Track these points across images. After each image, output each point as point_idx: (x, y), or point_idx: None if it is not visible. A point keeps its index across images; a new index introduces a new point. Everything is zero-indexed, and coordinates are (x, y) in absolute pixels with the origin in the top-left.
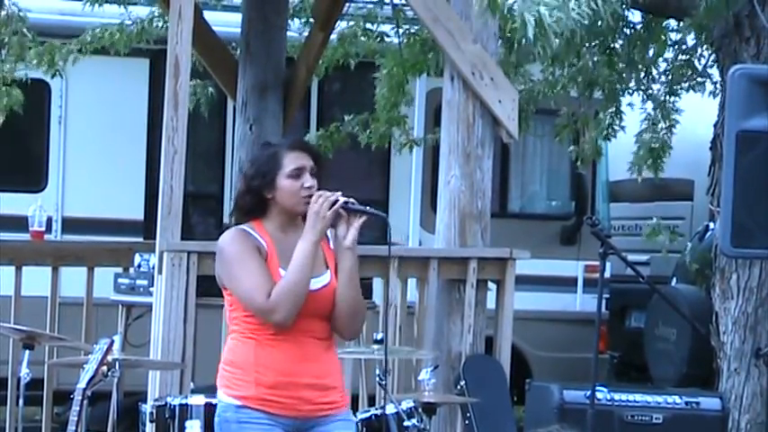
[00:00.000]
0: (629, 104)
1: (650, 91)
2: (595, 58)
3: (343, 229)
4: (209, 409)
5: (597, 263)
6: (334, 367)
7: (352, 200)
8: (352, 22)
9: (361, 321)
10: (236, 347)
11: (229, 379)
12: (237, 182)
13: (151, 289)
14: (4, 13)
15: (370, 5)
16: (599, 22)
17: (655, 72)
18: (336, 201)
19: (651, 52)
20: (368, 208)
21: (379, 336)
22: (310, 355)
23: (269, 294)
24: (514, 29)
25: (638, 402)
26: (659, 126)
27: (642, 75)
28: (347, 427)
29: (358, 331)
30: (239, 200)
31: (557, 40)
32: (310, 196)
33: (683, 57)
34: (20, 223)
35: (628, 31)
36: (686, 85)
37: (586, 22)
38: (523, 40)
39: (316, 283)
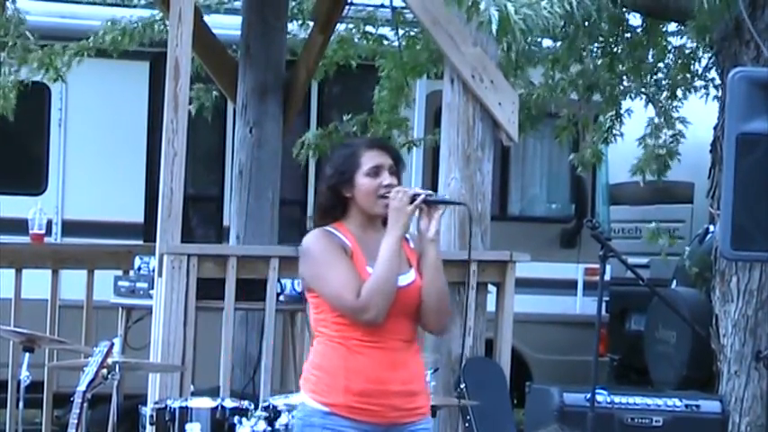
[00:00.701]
0: (628, 110)
1: (655, 95)
2: (598, 62)
3: (425, 222)
4: (210, 412)
5: (597, 266)
6: (420, 371)
7: (429, 192)
8: (351, 25)
9: (447, 314)
10: (324, 351)
11: (317, 384)
12: (318, 186)
13: (151, 292)
14: (5, 15)
15: (370, 8)
16: (602, 24)
17: (655, 77)
18: (416, 195)
19: (651, 57)
20: (446, 197)
21: None
22: (399, 360)
23: (358, 293)
24: (481, 23)
25: (638, 405)
26: (663, 132)
27: (644, 79)
28: None
29: (445, 326)
30: (318, 200)
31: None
32: (388, 195)
33: (683, 60)
34: (20, 226)
35: (628, 35)
36: (685, 89)
37: (555, 21)
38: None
39: (403, 280)
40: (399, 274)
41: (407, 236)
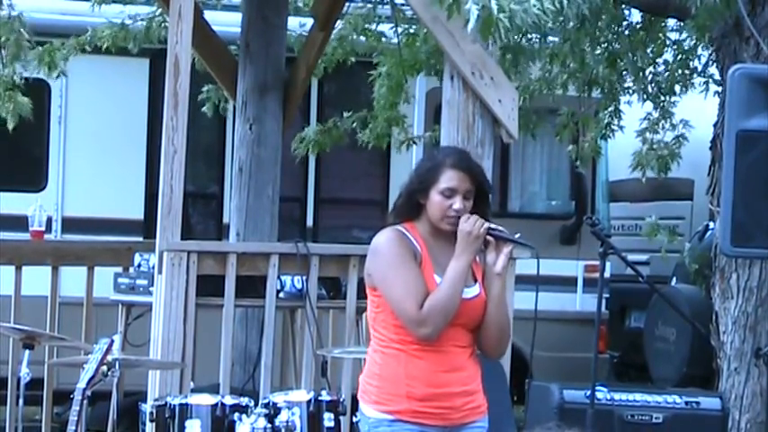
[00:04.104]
0: (628, 102)
1: (658, 95)
2: (596, 54)
3: (493, 255)
4: (210, 409)
5: (597, 262)
6: (477, 372)
7: (500, 228)
8: (350, 23)
9: (507, 342)
10: (383, 360)
11: (378, 394)
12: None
13: (151, 289)
14: (2, 13)
15: (370, 5)
16: (600, 23)
17: (654, 73)
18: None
19: (651, 52)
20: (517, 236)
21: None
22: (457, 363)
23: (421, 305)
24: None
25: (638, 402)
26: (661, 127)
27: (643, 77)
28: None
29: (504, 352)
30: (397, 200)
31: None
32: (456, 217)
33: (682, 56)
34: (20, 223)
35: (627, 32)
36: (682, 85)
37: (546, 18)
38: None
39: (467, 293)
40: (464, 286)
41: None
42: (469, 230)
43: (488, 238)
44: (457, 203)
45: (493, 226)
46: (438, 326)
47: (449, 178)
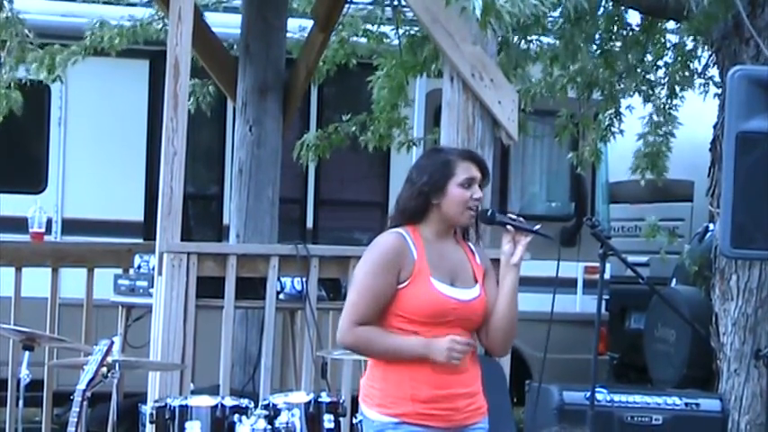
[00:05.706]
0: (629, 107)
1: (650, 93)
2: (595, 58)
3: (510, 246)
4: (210, 411)
5: (597, 264)
6: (478, 373)
7: (520, 219)
8: (351, 25)
9: (513, 339)
10: (385, 363)
11: (382, 397)
12: (404, 188)
13: (151, 290)
14: (3, 15)
15: (371, 7)
16: (599, 22)
17: (653, 75)
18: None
19: (650, 54)
20: (536, 227)
21: None
22: (459, 365)
23: (360, 323)
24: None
25: (637, 403)
26: (662, 129)
27: (641, 78)
28: None
29: (509, 349)
30: (405, 203)
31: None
32: (476, 208)
33: (682, 58)
34: (20, 224)
35: (625, 33)
36: (682, 89)
37: (544, 9)
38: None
39: (467, 294)
40: (464, 287)
41: (474, 250)
42: (447, 355)
43: (507, 227)
44: (477, 192)
45: (513, 216)
46: (353, 350)
47: (465, 169)
